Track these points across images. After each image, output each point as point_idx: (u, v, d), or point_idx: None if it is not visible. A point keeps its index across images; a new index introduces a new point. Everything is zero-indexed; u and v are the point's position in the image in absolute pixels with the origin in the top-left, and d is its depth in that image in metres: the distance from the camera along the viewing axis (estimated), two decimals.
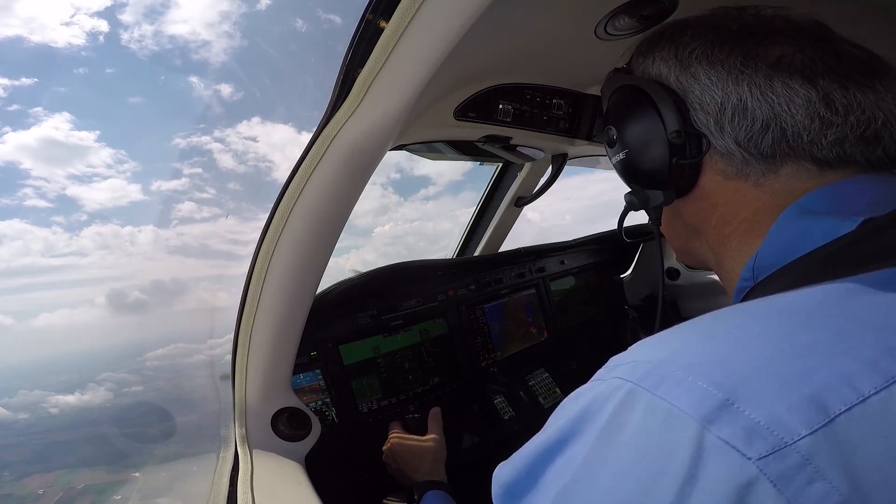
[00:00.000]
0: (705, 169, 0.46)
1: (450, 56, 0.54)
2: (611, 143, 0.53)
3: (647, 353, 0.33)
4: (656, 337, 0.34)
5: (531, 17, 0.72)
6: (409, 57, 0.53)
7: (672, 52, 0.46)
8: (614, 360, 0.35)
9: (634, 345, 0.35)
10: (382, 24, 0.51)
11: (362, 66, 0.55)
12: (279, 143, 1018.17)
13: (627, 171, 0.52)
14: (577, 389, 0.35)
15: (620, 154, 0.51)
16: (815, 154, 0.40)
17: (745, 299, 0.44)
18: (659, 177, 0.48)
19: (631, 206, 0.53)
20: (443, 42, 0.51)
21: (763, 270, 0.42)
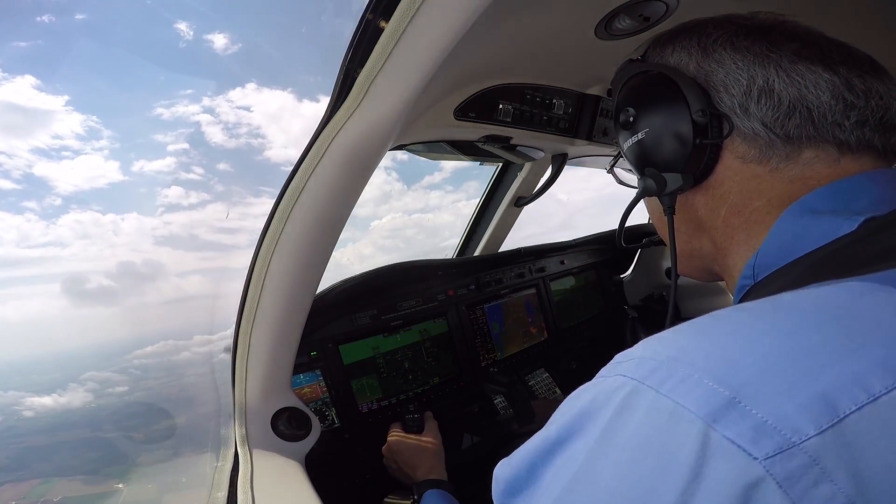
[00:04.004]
0: (724, 154, 0.45)
1: (450, 56, 0.54)
2: (626, 126, 0.51)
3: (652, 350, 0.32)
4: (662, 334, 0.34)
5: (531, 17, 0.72)
6: (409, 57, 0.53)
7: (695, 41, 0.46)
8: (619, 357, 0.35)
9: (640, 342, 0.34)
10: (382, 24, 0.51)
11: (362, 66, 0.55)
12: (276, 114, 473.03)
13: (645, 153, 0.50)
14: (581, 386, 0.35)
15: (639, 135, 0.49)
16: (837, 136, 0.41)
17: (744, 298, 0.44)
18: (680, 158, 0.47)
19: (646, 191, 0.50)
20: (442, 42, 0.51)
21: (763, 269, 0.42)
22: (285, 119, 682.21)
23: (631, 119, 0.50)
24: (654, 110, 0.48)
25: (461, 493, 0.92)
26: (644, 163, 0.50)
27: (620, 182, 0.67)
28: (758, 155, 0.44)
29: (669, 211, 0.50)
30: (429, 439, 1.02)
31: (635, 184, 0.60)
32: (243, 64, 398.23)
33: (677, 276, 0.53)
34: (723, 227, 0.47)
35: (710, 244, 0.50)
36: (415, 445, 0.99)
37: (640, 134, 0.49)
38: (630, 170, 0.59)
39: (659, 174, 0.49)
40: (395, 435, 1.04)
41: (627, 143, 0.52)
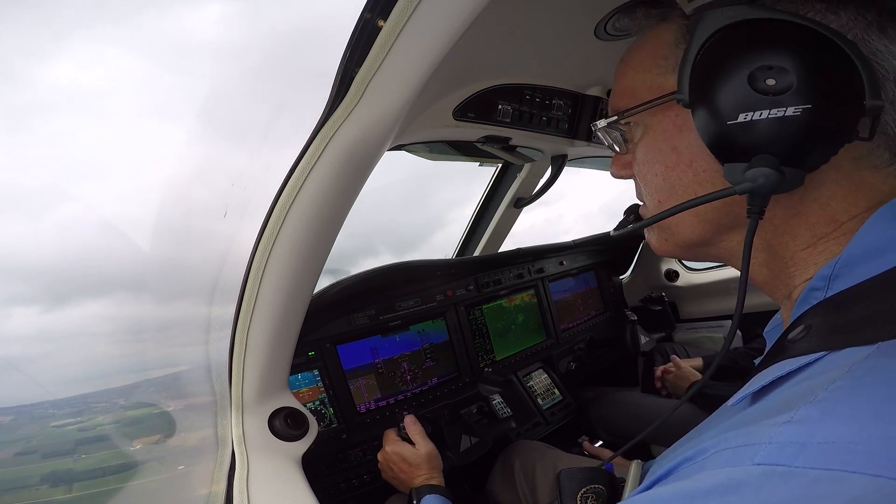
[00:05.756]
0: (839, 152, 0.37)
1: (448, 55, 0.53)
2: (772, 91, 0.35)
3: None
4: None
5: (531, 16, 0.71)
6: (407, 56, 0.53)
7: (872, 10, 0.37)
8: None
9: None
10: (380, 22, 0.51)
11: (360, 65, 0.55)
12: None
13: (785, 135, 0.36)
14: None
15: (791, 109, 0.35)
16: None
17: (810, 312, 0.39)
18: (817, 150, 0.36)
19: (759, 188, 0.37)
20: (441, 41, 0.51)
21: (841, 281, 0.37)
22: None
23: (777, 83, 0.35)
24: (824, 82, 0.35)
25: (460, 494, 0.92)
26: (758, 147, 0.37)
27: (611, 147, 0.54)
28: (887, 161, 0.38)
29: (758, 214, 0.38)
30: (422, 447, 0.99)
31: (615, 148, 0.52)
32: None
33: (746, 287, 0.42)
34: (808, 235, 0.40)
35: (765, 251, 0.43)
36: (410, 455, 0.98)
37: (792, 108, 0.35)
38: (614, 131, 0.50)
39: (780, 166, 0.36)
40: (392, 443, 1.02)
41: (751, 115, 0.36)
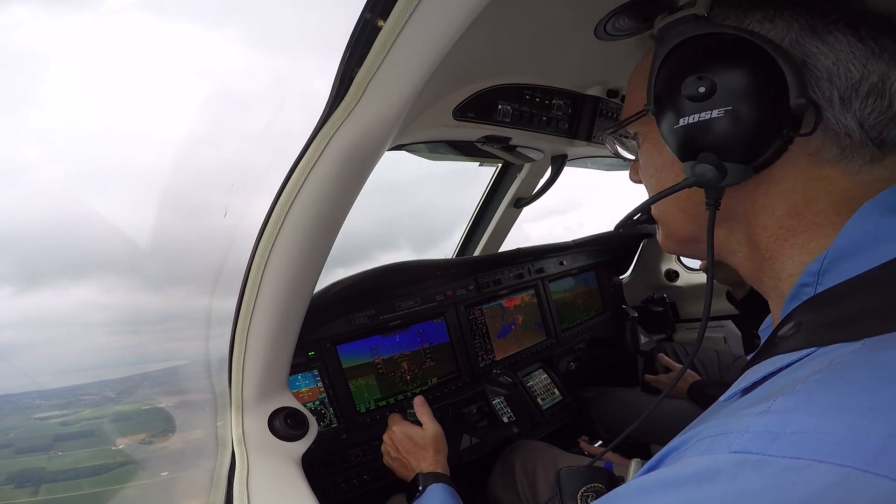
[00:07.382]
0: (792, 148, 0.40)
1: (448, 55, 0.54)
2: (700, 97, 0.40)
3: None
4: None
5: (530, 16, 0.71)
6: (407, 56, 0.53)
7: (804, 15, 0.40)
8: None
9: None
10: (380, 22, 0.51)
11: (360, 65, 0.55)
12: None
13: (710, 135, 0.41)
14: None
15: (714, 112, 0.40)
16: None
17: (802, 307, 0.40)
18: (754, 147, 0.40)
19: (702, 182, 0.42)
20: (441, 41, 0.51)
21: (831, 276, 0.38)
22: None
23: (704, 90, 0.40)
24: (744, 86, 0.39)
25: (460, 494, 0.92)
26: (701, 146, 0.42)
27: (616, 154, 0.60)
28: (836, 155, 0.40)
29: (714, 206, 0.43)
30: (430, 428, 0.96)
31: (629, 155, 0.58)
32: None
33: (713, 281, 0.47)
34: (775, 228, 0.43)
35: (747, 245, 0.46)
36: (417, 435, 0.95)
37: (716, 111, 0.40)
38: (626, 139, 0.56)
39: (720, 162, 0.41)
40: (399, 423, 0.99)
41: (688, 119, 0.41)
